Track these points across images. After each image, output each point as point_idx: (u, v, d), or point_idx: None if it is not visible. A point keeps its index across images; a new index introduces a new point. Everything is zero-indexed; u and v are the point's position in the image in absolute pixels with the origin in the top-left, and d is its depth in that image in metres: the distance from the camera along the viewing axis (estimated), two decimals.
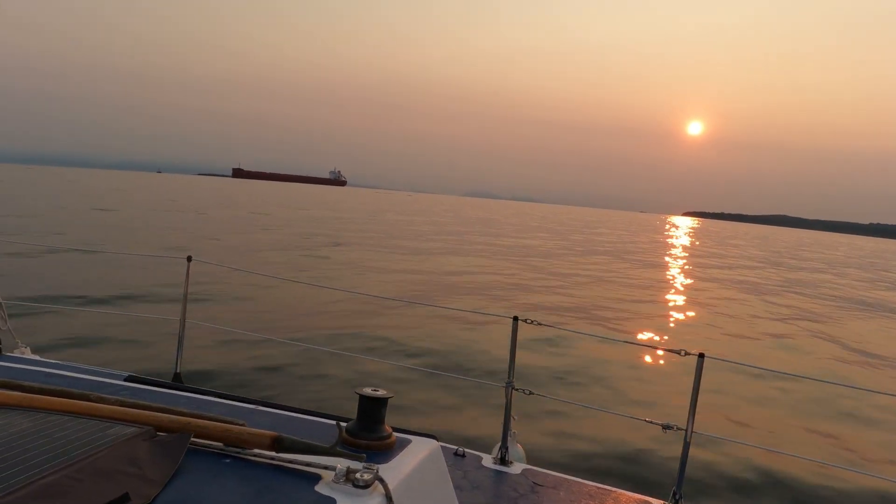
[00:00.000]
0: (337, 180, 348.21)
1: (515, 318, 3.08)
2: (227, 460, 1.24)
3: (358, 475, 1.15)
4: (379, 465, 1.22)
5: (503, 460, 2.97)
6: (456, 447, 3.04)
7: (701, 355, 2.80)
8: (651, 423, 2.99)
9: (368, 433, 1.39)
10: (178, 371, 3.78)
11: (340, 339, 9.03)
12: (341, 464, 1.19)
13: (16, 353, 2.86)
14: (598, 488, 2.78)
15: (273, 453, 1.25)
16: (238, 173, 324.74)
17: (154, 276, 13.15)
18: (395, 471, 1.27)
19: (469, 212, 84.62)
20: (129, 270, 14.18)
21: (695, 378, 2.79)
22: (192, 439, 1.28)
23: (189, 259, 3.84)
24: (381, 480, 1.16)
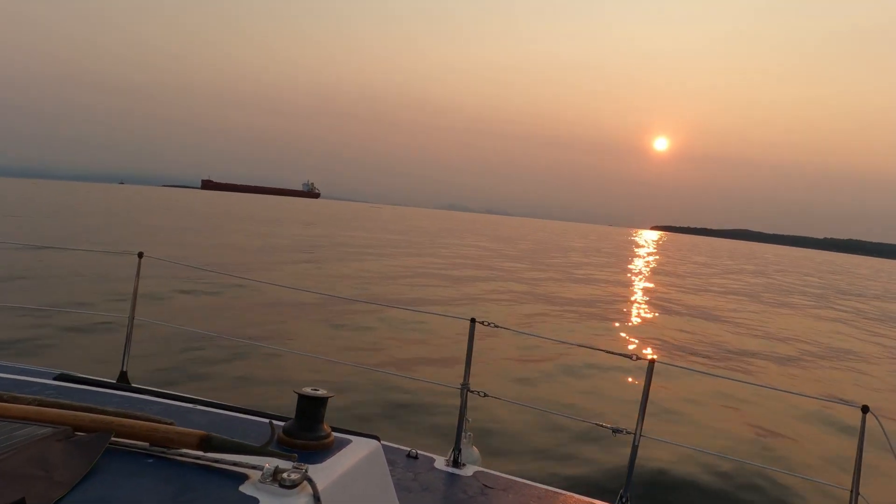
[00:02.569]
0: (310, 192, 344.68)
1: (472, 320, 3.10)
2: (150, 460, 1.21)
3: (285, 475, 1.13)
4: (311, 465, 1.21)
5: (456, 462, 2.96)
6: (409, 449, 3.02)
7: (651, 361, 2.87)
8: (601, 426, 3.04)
9: (305, 433, 1.37)
10: (124, 370, 3.65)
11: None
12: (270, 463, 1.17)
13: None
14: (548, 491, 2.80)
15: (200, 453, 1.22)
16: (208, 185, 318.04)
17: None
18: (327, 471, 1.25)
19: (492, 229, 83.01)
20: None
21: (645, 383, 2.86)
22: (116, 439, 1.24)
23: (140, 255, 3.73)
24: (310, 480, 1.14)
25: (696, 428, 6.90)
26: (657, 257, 53.09)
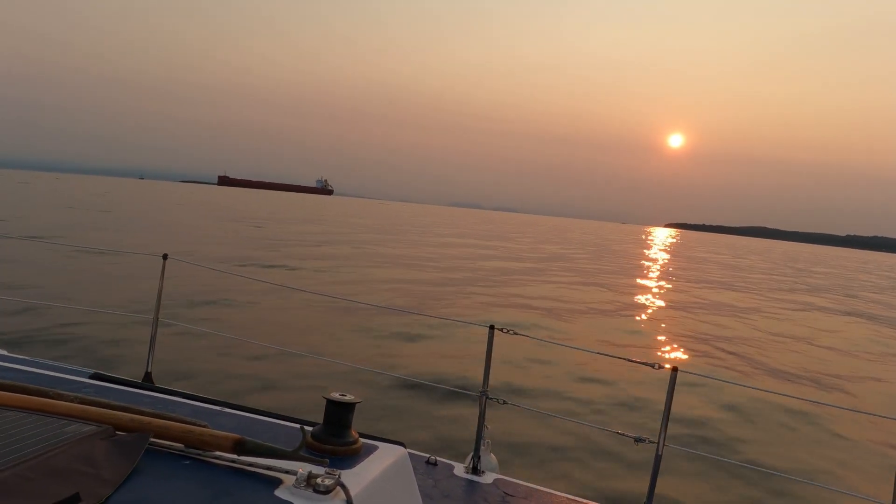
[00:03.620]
0: (324, 189, 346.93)
1: (492, 327, 3.08)
2: (187, 462, 1.22)
3: (319, 480, 1.14)
4: (342, 471, 1.21)
5: (475, 469, 2.95)
6: (428, 455, 3.01)
7: (675, 369, 2.82)
8: (623, 435, 3.00)
9: (334, 438, 1.37)
10: (149, 370, 3.70)
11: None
12: (303, 468, 1.17)
13: None
14: (569, 499, 2.77)
15: (234, 456, 1.23)
16: (224, 181, 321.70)
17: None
18: (358, 477, 1.25)
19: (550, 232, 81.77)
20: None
21: (668, 391, 2.81)
22: (153, 440, 1.26)
23: (164, 257, 3.76)
24: (343, 486, 1.15)
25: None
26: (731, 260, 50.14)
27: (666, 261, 44.01)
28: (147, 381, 3.53)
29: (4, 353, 2.44)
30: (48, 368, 1.82)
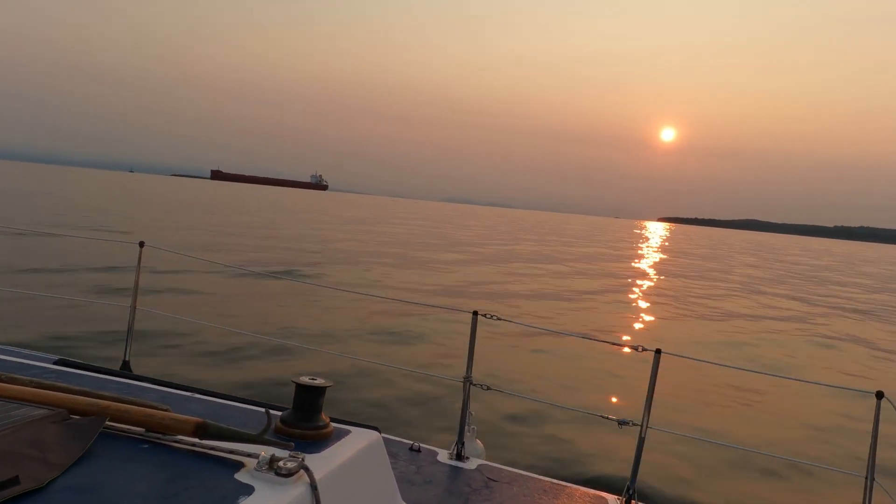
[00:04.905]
0: (318, 185, 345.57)
1: (475, 313, 3.06)
2: (146, 446, 1.20)
3: (282, 463, 1.12)
4: (308, 455, 1.19)
5: (459, 455, 2.94)
6: (411, 442, 2.99)
7: (658, 351, 2.81)
8: (607, 418, 2.99)
9: (303, 423, 1.35)
10: (126, 359, 3.65)
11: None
12: (266, 452, 1.15)
13: None
14: (553, 483, 2.77)
15: (195, 440, 1.21)
16: (217, 175, 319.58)
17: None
18: (325, 461, 1.23)
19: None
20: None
21: (651, 374, 2.80)
22: (111, 423, 1.23)
23: (141, 244, 3.71)
24: (307, 469, 1.13)
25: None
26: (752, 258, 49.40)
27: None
28: (125, 370, 3.49)
29: None
30: (10, 354, 1.79)
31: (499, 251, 30.08)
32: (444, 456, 2.94)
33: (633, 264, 31.25)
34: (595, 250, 39.52)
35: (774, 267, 40.65)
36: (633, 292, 19.14)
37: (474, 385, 3.05)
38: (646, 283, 22.33)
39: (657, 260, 37.07)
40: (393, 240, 30.23)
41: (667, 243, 67.02)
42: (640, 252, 44.34)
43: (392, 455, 2.71)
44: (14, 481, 0.98)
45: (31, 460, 1.05)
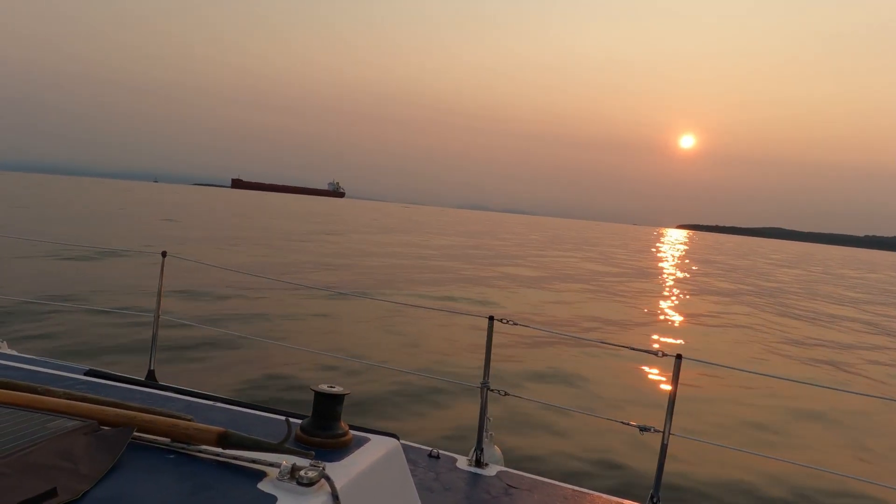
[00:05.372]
0: (335, 192, 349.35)
1: (491, 318, 3.05)
2: (171, 456, 1.22)
3: (303, 473, 1.13)
4: (328, 463, 1.20)
5: (478, 462, 2.91)
6: (430, 448, 2.98)
7: (678, 356, 2.77)
8: (628, 424, 2.94)
9: (322, 431, 1.36)
10: (151, 368, 3.72)
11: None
12: (287, 461, 1.16)
13: None
14: (574, 491, 2.73)
15: (219, 449, 1.23)
16: (237, 184, 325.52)
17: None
18: (346, 469, 1.24)
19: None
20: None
21: (672, 379, 2.76)
22: (139, 434, 1.26)
23: (164, 255, 3.78)
24: (328, 478, 1.13)
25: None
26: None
27: None
28: (150, 379, 3.55)
29: (13, 352, 2.47)
30: (45, 366, 1.85)
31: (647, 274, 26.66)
32: (463, 462, 2.91)
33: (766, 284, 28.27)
34: (695, 265, 36.72)
35: (850, 283, 38.03)
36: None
37: (492, 391, 3.03)
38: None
39: (789, 277, 34.13)
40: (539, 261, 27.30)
41: (723, 254, 62.20)
42: (745, 267, 41.04)
43: (411, 462, 2.70)
44: (52, 493, 1.00)
45: (66, 472, 1.07)
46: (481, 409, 3.01)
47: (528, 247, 40.71)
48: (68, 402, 1.35)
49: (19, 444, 1.12)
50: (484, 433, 2.97)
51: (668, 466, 2.78)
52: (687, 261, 44.40)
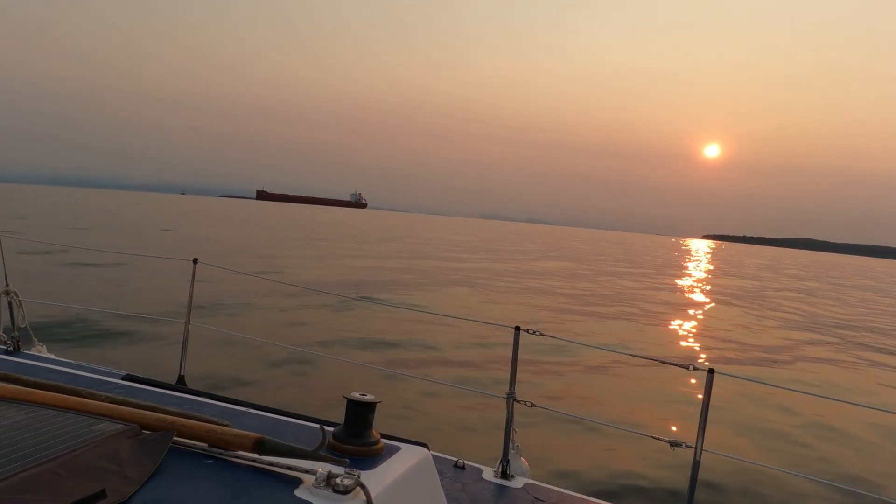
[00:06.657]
0: (358, 203, 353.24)
1: (517, 328, 3.03)
2: (209, 461, 1.24)
3: (339, 480, 1.14)
4: (362, 471, 1.20)
5: (504, 474, 2.88)
6: (456, 459, 2.96)
7: (711, 371, 2.71)
8: (658, 439, 2.88)
9: (355, 438, 1.37)
10: (181, 374, 3.79)
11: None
12: (323, 468, 1.17)
13: (32, 351, 2.93)
14: None
15: (255, 455, 1.25)
16: (262, 195, 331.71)
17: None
18: (379, 477, 1.25)
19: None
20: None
21: (704, 394, 2.70)
22: (177, 439, 1.29)
23: (195, 262, 3.84)
24: (363, 486, 1.14)
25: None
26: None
27: None
28: (180, 384, 3.62)
29: (51, 356, 2.55)
30: (85, 370, 1.90)
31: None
32: (489, 474, 2.89)
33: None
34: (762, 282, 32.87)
35: None
36: None
37: (518, 402, 3.00)
38: None
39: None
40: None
41: (771, 269, 55.54)
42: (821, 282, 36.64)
43: (437, 472, 2.67)
44: (101, 495, 1.03)
45: (113, 474, 1.10)
46: (507, 420, 2.99)
47: (645, 266, 35.51)
48: (111, 405, 1.39)
49: (69, 446, 1.15)
50: (510, 444, 2.95)
51: (700, 483, 2.71)
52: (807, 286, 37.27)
